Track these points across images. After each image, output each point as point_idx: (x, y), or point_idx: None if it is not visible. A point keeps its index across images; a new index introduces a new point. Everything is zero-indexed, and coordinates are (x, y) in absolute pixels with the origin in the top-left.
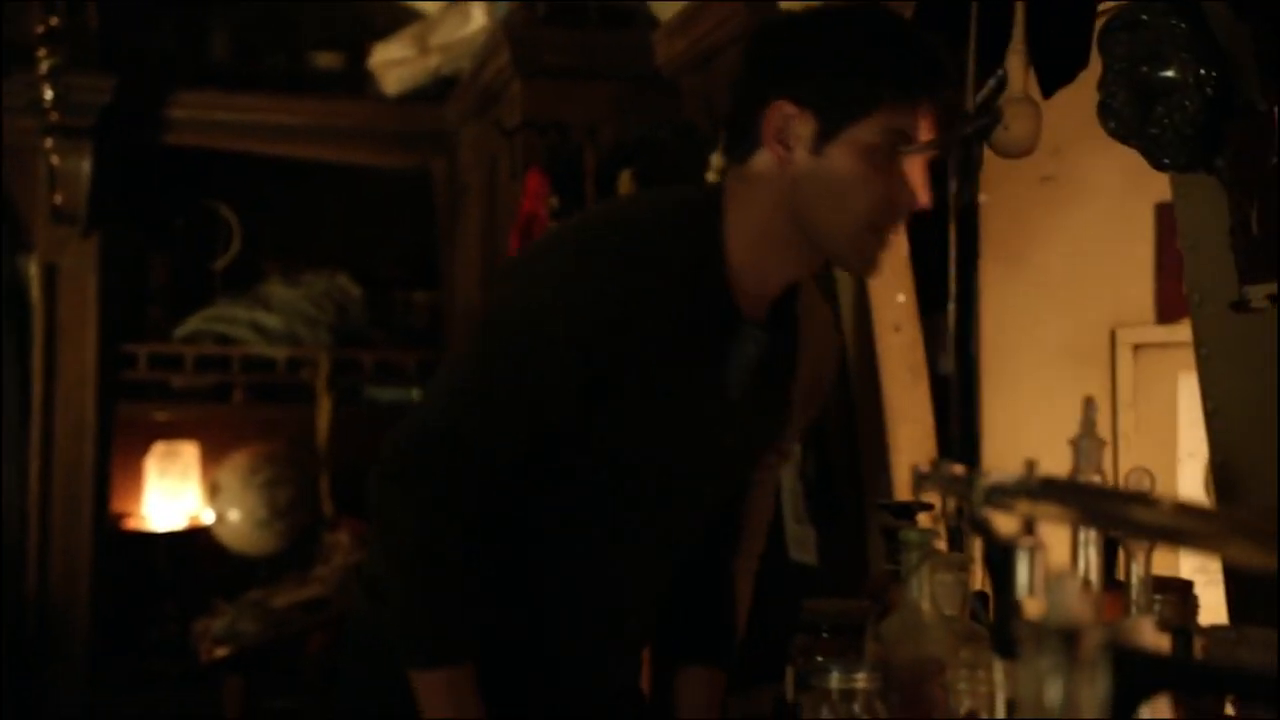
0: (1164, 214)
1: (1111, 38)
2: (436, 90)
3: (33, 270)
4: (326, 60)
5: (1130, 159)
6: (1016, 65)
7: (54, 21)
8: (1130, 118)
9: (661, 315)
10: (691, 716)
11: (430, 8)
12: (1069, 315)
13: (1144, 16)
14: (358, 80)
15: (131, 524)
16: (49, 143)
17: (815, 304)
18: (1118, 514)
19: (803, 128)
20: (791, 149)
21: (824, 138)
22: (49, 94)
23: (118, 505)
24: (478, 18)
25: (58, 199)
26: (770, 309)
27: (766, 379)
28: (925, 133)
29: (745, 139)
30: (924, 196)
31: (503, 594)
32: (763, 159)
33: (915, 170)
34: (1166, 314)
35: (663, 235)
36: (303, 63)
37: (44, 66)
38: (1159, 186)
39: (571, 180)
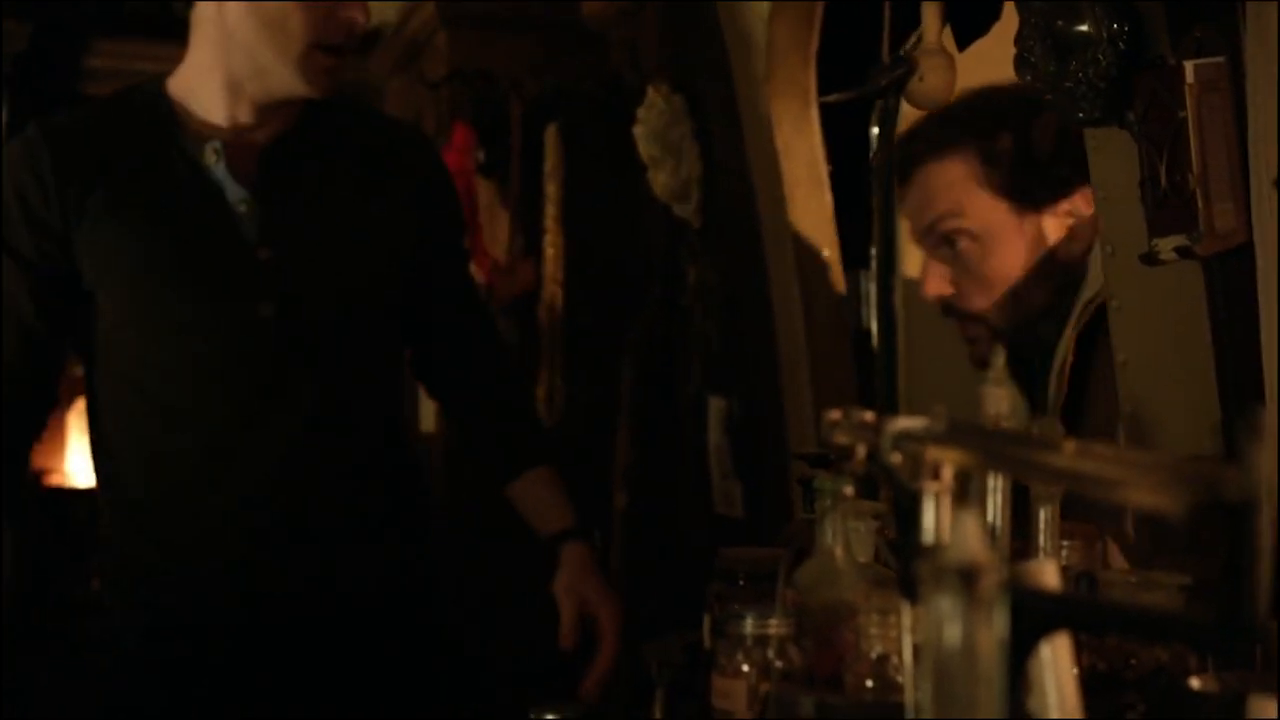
0: None
1: None
2: (360, 43)
3: None
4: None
5: None
6: (932, 17)
7: None
8: (1046, 71)
9: (97, 158)
10: (550, 512)
11: None
12: None
13: None
14: None
15: (53, 480)
16: None
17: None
18: (1020, 458)
19: None
20: None
21: None
22: None
23: (39, 461)
24: None
25: None
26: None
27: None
28: None
29: None
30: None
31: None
32: (202, 8)
33: None
34: None
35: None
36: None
37: None
38: None
39: (498, 133)
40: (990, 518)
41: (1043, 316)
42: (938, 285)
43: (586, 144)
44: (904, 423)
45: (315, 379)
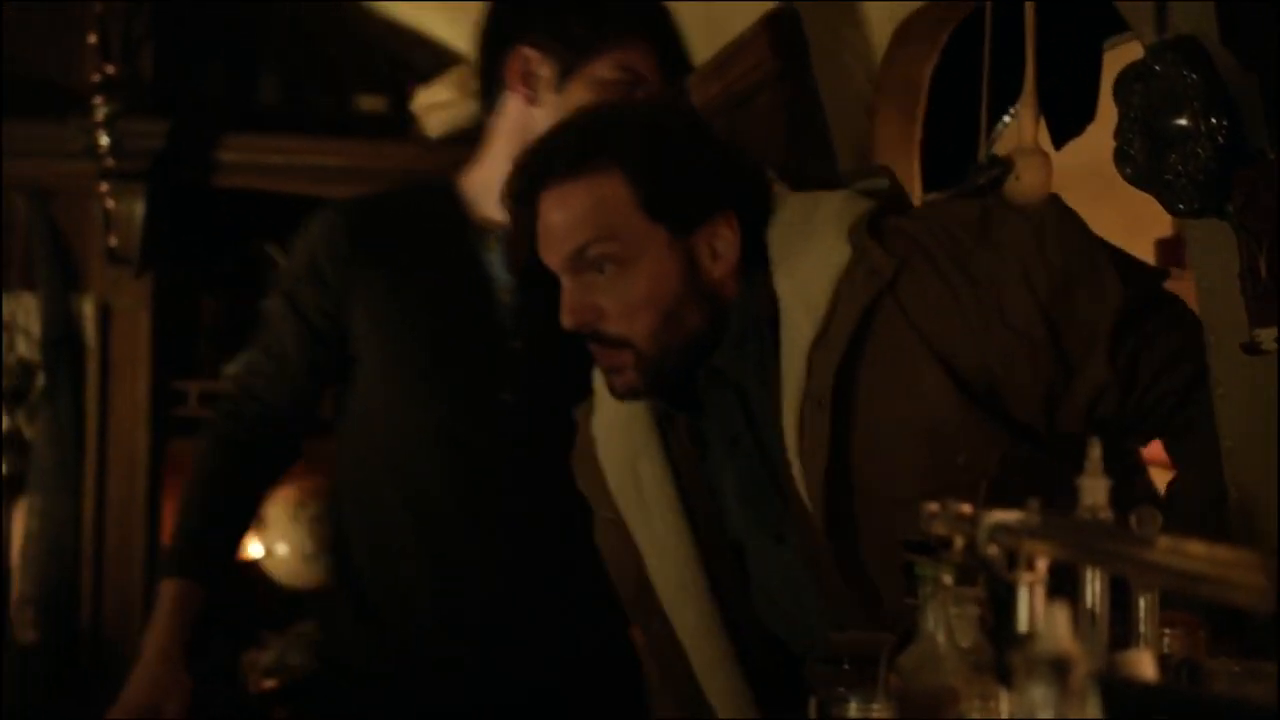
0: (1164, 249)
1: (1127, 88)
2: (476, 132)
3: (87, 310)
4: (371, 103)
5: (1130, 199)
6: (1027, 118)
7: (110, 69)
8: (1146, 165)
9: (388, 238)
10: None
11: (472, 52)
12: None
13: (1157, 67)
14: (401, 123)
15: None
16: (104, 186)
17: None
18: (1113, 551)
19: (544, 69)
20: (536, 91)
21: (564, 76)
22: (105, 140)
23: (168, 539)
24: None
25: (112, 241)
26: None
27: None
28: (653, 70)
29: (493, 87)
30: None
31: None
32: (510, 102)
33: None
34: None
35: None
36: (348, 106)
37: (100, 113)
38: (1159, 225)
39: None
40: (1089, 604)
41: (695, 342)
42: (583, 313)
43: None
44: (1000, 515)
45: (543, 466)
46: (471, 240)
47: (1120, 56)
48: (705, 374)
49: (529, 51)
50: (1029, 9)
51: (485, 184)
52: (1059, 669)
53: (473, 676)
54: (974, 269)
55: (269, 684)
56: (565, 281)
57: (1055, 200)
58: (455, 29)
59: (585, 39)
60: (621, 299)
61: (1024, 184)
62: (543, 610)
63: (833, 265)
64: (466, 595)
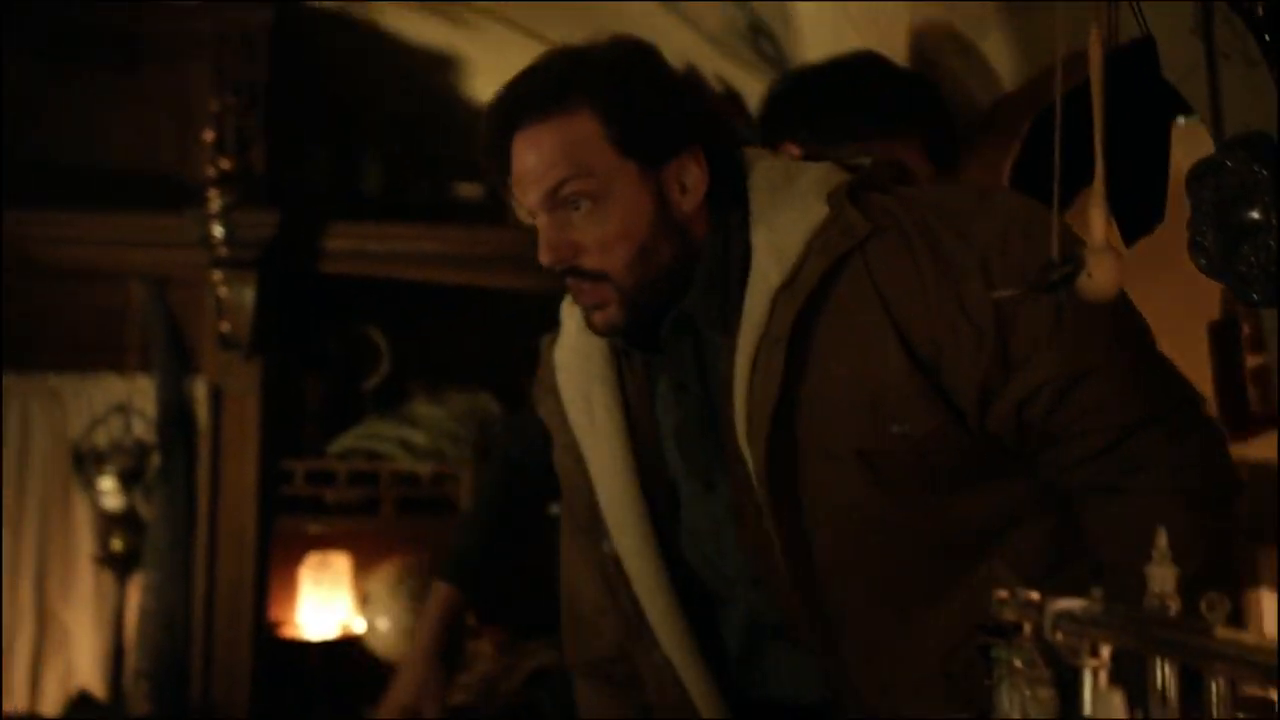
0: (1217, 333)
1: (1199, 182)
2: None
3: (200, 392)
4: (468, 191)
5: (1183, 282)
6: (1097, 218)
7: (225, 165)
8: (1219, 256)
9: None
10: None
11: None
12: None
13: (1227, 162)
14: (497, 209)
15: (287, 632)
16: (217, 274)
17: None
18: (1172, 640)
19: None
20: None
21: None
22: (218, 230)
23: (274, 614)
24: None
25: (224, 326)
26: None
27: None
28: (921, 163)
29: None
30: None
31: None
32: None
33: None
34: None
35: None
36: (447, 194)
37: (215, 206)
38: (1212, 307)
39: None
40: (1160, 688)
41: (668, 276)
42: (561, 249)
43: None
44: (1065, 603)
45: None
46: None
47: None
48: (672, 318)
49: (791, 148)
50: (1098, 115)
51: None
52: None
53: None
54: (943, 251)
55: None
56: (541, 219)
57: (1034, 205)
58: None
59: (841, 136)
60: (597, 234)
61: (1095, 281)
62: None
63: (809, 221)
64: None
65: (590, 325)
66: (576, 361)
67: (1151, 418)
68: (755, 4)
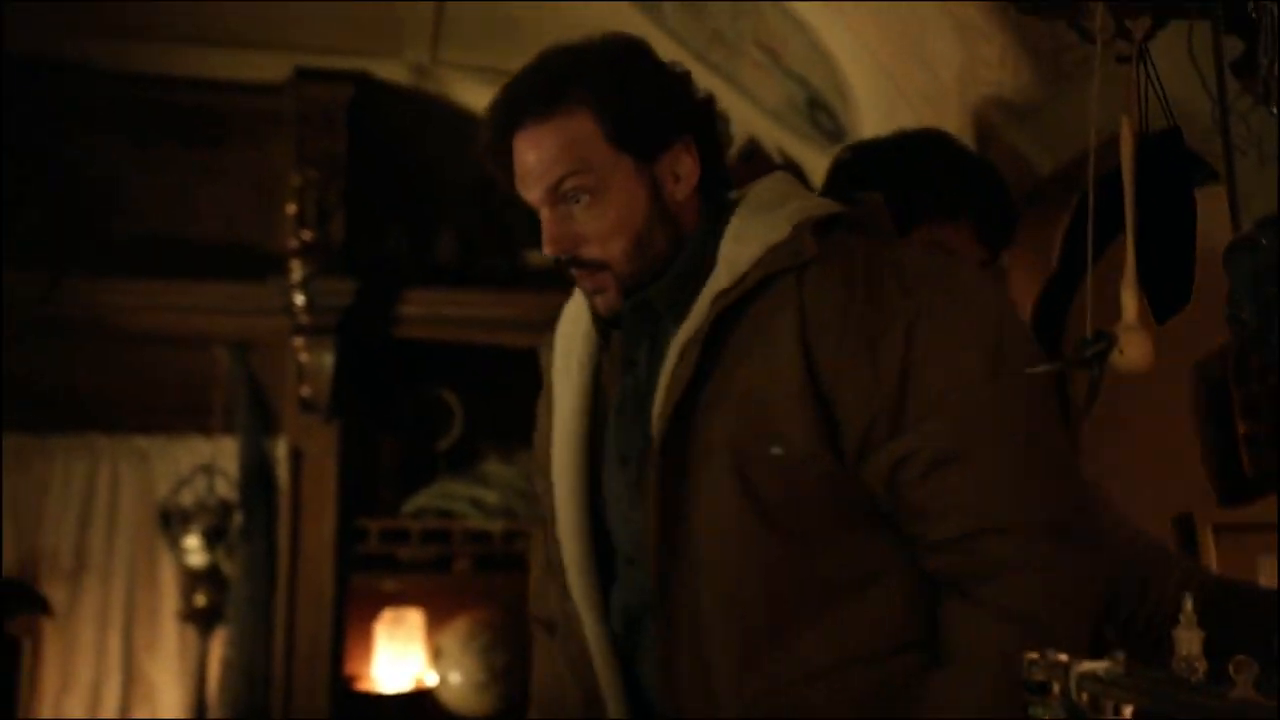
0: (1207, 399)
1: (1234, 258)
2: None
3: (281, 453)
4: (539, 258)
5: (1199, 349)
6: (1130, 298)
7: (306, 236)
8: (1256, 329)
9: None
10: None
11: None
12: (1150, 497)
13: (1262, 240)
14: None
15: (362, 685)
16: (298, 341)
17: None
18: (1188, 702)
19: None
20: None
21: None
22: (300, 299)
23: (350, 668)
24: None
25: (304, 390)
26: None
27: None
28: (969, 244)
29: None
30: None
31: None
32: None
33: None
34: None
35: None
36: (518, 261)
37: (296, 275)
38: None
39: None
40: None
41: (663, 263)
42: (563, 241)
43: None
44: (1089, 665)
45: None
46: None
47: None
48: (635, 300)
49: None
50: (1129, 202)
51: None
52: None
53: None
54: (879, 296)
55: None
56: (545, 213)
57: (986, 288)
58: None
59: (895, 214)
60: (597, 226)
61: (1127, 358)
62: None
63: (769, 239)
64: None
65: (592, 308)
66: (570, 325)
67: (1010, 527)
68: (813, 80)
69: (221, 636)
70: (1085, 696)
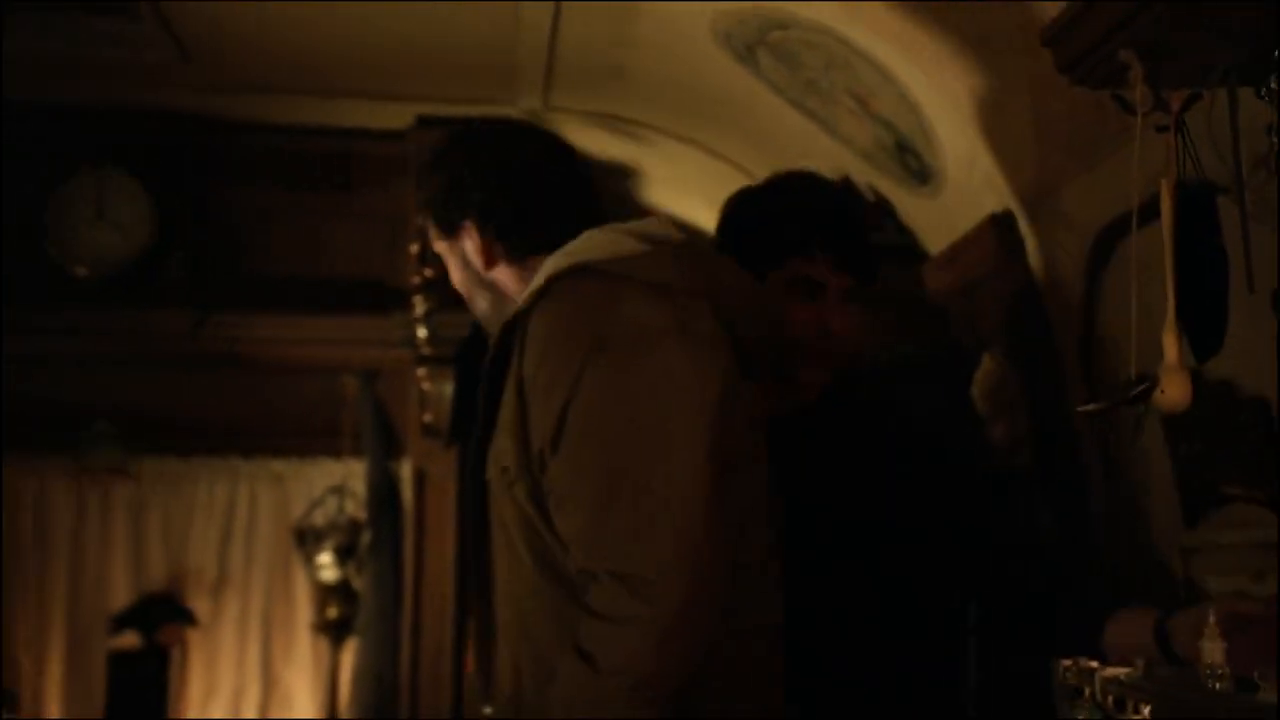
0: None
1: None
2: None
3: (405, 474)
4: None
5: None
6: (1170, 342)
7: (428, 273)
8: None
9: None
10: None
11: None
12: None
13: None
14: None
15: None
16: (421, 371)
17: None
18: (1200, 705)
19: None
20: None
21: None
22: (422, 332)
23: (470, 683)
24: None
25: (426, 417)
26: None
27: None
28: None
29: None
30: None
31: None
32: None
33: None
34: None
35: None
36: None
37: (419, 310)
38: None
39: None
40: None
41: (487, 316)
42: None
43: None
44: (1112, 671)
45: None
46: None
47: None
48: (475, 326)
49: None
50: (1168, 252)
51: None
52: None
53: None
54: (565, 342)
55: None
56: None
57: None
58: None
59: (766, 257)
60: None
61: (1167, 397)
62: None
63: (532, 285)
64: None
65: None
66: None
67: (597, 572)
68: (900, 126)
69: (352, 646)
70: (1110, 699)
